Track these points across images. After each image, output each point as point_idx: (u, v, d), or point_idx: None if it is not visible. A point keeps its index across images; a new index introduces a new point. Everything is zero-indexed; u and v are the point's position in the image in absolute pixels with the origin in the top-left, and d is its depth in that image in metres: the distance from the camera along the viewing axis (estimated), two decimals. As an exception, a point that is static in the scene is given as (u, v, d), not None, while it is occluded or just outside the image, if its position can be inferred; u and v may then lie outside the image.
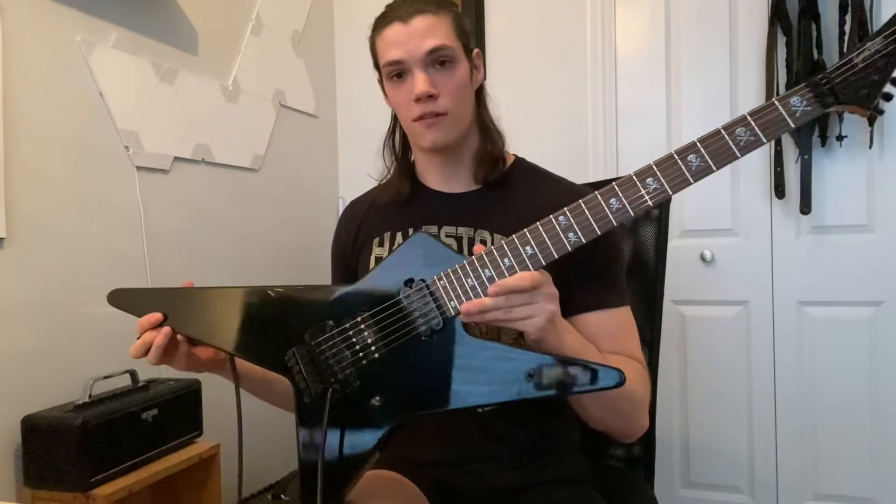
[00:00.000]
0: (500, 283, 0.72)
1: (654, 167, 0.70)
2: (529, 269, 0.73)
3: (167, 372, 1.63)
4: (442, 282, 0.78)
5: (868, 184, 1.89)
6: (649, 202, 0.70)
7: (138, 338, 0.87)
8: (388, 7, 0.95)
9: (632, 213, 0.71)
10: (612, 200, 0.71)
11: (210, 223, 1.86)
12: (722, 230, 2.04)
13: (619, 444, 1.24)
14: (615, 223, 0.71)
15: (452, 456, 0.96)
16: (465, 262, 0.77)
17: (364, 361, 0.81)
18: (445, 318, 0.77)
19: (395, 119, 1.06)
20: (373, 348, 0.81)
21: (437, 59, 0.91)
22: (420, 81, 0.90)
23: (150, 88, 1.66)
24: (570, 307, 0.91)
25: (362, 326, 0.82)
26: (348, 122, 2.52)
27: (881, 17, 1.84)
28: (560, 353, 0.78)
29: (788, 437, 1.98)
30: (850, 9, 1.79)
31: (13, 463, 1.30)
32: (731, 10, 2.02)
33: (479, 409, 0.93)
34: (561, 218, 0.73)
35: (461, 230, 0.97)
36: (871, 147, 1.85)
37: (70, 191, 1.45)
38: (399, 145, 1.06)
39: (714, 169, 0.69)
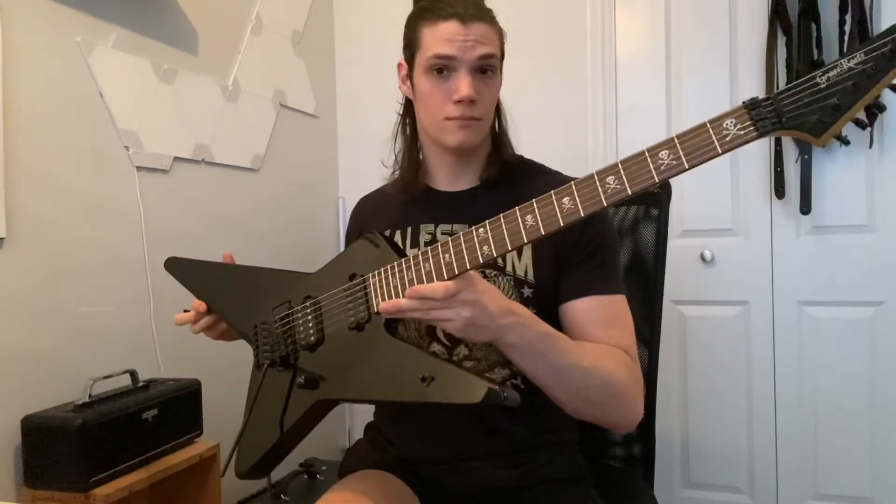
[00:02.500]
0: (414, 288, 0.74)
1: (573, 185, 0.69)
2: (444, 277, 0.75)
3: (167, 372, 1.63)
4: (374, 279, 0.83)
5: (868, 184, 1.89)
6: (561, 222, 0.69)
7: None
8: (438, 1, 0.94)
9: (542, 232, 0.70)
10: (528, 217, 0.71)
11: (210, 223, 1.86)
12: (722, 230, 2.04)
13: (619, 443, 1.24)
14: (525, 240, 0.71)
15: (450, 453, 0.96)
16: (395, 263, 0.81)
17: (303, 342, 0.90)
18: (370, 313, 0.84)
19: (406, 108, 1.06)
20: (311, 332, 0.90)
21: (483, 67, 0.93)
22: (466, 85, 0.91)
23: (150, 88, 1.66)
24: (562, 294, 0.93)
25: (308, 311, 0.90)
26: (348, 122, 2.52)
27: (881, 16, 1.84)
28: (534, 370, 0.82)
29: (788, 437, 1.98)
30: (850, 9, 1.79)
31: (13, 463, 1.30)
32: (731, 9, 2.02)
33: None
34: (481, 230, 0.74)
35: (456, 227, 0.99)
36: (871, 147, 1.85)
37: (70, 191, 1.45)
38: (410, 134, 1.06)
39: (629, 193, 0.66)
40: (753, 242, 2.01)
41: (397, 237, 1.02)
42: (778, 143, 1.92)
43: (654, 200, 1.20)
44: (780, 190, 1.93)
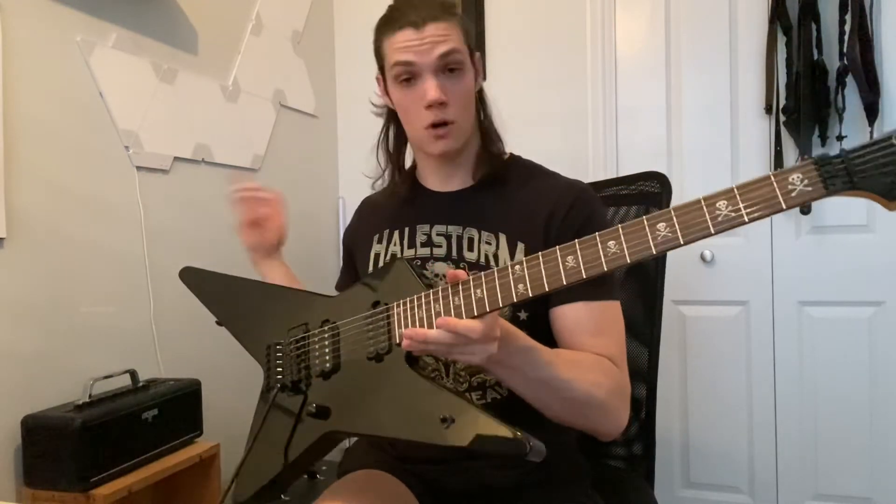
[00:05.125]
0: (450, 321, 0.69)
1: (620, 229, 0.65)
2: (474, 312, 0.71)
3: (167, 372, 1.63)
4: (399, 308, 0.80)
5: (868, 184, 1.88)
6: (604, 266, 0.65)
7: None
8: (394, 10, 0.94)
9: (584, 276, 0.66)
10: (569, 258, 0.67)
11: (210, 223, 1.86)
12: (722, 230, 2.04)
13: (619, 443, 1.24)
14: (565, 283, 0.67)
15: (447, 453, 0.95)
16: (422, 294, 0.77)
17: (317, 368, 0.87)
18: (391, 343, 0.80)
19: (388, 118, 1.06)
20: (327, 358, 0.86)
21: (448, 65, 0.92)
22: (433, 88, 0.91)
23: (150, 88, 1.66)
24: (552, 298, 0.92)
25: (326, 336, 0.88)
26: (348, 122, 2.52)
27: (881, 17, 1.84)
28: (508, 381, 0.81)
29: (788, 437, 1.98)
30: (849, 9, 1.79)
31: (13, 463, 1.30)
32: (731, 9, 2.02)
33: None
34: (517, 267, 0.70)
35: (451, 228, 0.99)
36: (871, 147, 1.85)
37: (70, 191, 1.45)
38: (392, 144, 1.07)
39: (681, 242, 0.62)
40: (753, 242, 2.01)
41: (395, 238, 1.03)
42: (778, 142, 1.92)
43: (655, 200, 1.20)
44: (780, 190, 1.93)
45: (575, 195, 0.95)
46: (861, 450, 1.91)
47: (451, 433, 0.70)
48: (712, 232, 0.61)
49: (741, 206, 0.59)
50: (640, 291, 1.21)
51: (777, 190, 0.58)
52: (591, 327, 0.90)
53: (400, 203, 1.06)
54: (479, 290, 0.71)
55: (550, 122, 2.20)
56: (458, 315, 0.72)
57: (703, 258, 2.05)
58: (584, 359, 0.87)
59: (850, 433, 1.92)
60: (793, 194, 0.58)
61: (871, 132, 1.82)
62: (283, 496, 1.57)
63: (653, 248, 0.63)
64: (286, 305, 0.96)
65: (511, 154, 1.05)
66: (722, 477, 2.06)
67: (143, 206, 1.62)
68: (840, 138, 1.84)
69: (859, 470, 1.91)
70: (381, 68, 0.99)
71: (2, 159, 1.29)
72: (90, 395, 1.33)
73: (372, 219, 1.11)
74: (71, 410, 1.29)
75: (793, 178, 0.58)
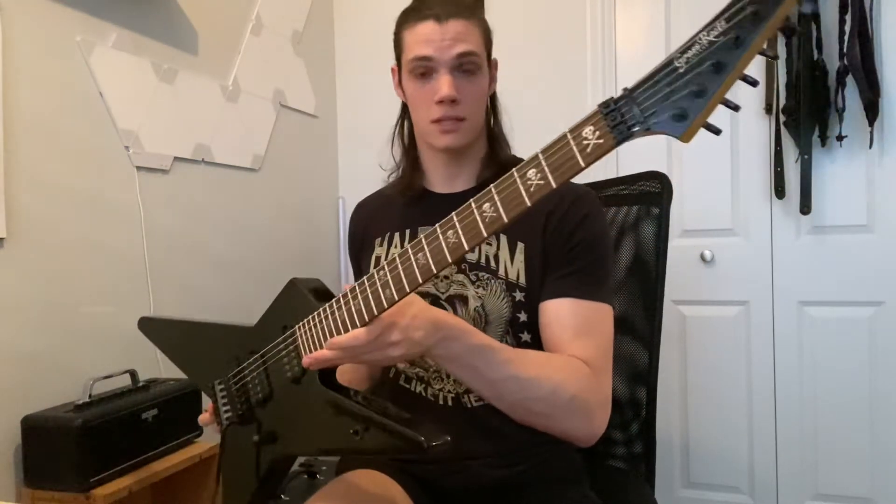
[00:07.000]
0: (333, 341, 0.73)
1: (454, 217, 0.64)
2: (357, 323, 0.73)
3: (167, 372, 1.63)
4: (302, 330, 0.81)
5: (868, 184, 1.89)
6: (448, 258, 0.64)
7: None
8: (419, 2, 0.94)
9: (434, 270, 0.66)
10: (419, 255, 0.67)
11: (210, 223, 1.86)
12: (722, 230, 2.04)
13: (620, 443, 1.23)
14: (420, 280, 0.67)
15: (443, 452, 0.95)
16: (315, 312, 0.79)
17: (253, 400, 0.89)
18: (301, 366, 0.81)
19: (403, 111, 1.06)
20: (258, 388, 0.88)
21: (463, 65, 0.92)
22: (446, 85, 0.91)
23: (150, 88, 1.66)
24: (542, 294, 0.92)
25: (255, 366, 0.89)
26: (348, 122, 2.52)
27: (881, 17, 1.84)
28: (465, 380, 0.82)
29: (788, 437, 1.98)
30: (850, 9, 1.79)
31: (13, 463, 1.30)
32: (731, 10, 2.02)
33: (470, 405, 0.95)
34: (381, 272, 0.70)
35: None
36: (871, 147, 1.85)
37: (70, 191, 1.45)
38: (408, 137, 1.06)
39: (505, 220, 0.60)
40: (753, 242, 2.01)
41: (396, 240, 1.02)
42: (778, 142, 1.92)
43: (655, 200, 1.20)
44: (780, 190, 1.93)
45: (574, 197, 0.96)
46: (861, 450, 1.91)
47: (367, 441, 0.74)
48: (528, 204, 0.58)
49: (547, 172, 0.56)
50: (640, 291, 1.21)
51: (574, 149, 0.54)
52: (573, 326, 0.88)
53: (400, 206, 1.05)
54: (356, 302, 0.73)
55: (550, 123, 2.19)
56: (345, 328, 0.74)
57: (703, 258, 2.05)
58: (552, 360, 0.86)
59: (850, 433, 1.92)
60: (588, 150, 0.54)
61: (871, 132, 1.83)
62: (282, 496, 1.57)
63: (483, 230, 0.62)
64: (221, 341, 0.96)
65: (515, 157, 1.05)
66: (722, 477, 2.06)
67: (143, 206, 1.62)
68: (840, 138, 1.84)
69: (859, 470, 1.91)
70: (398, 59, 0.98)
71: (2, 159, 1.29)
72: (90, 395, 1.33)
73: (372, 223, 1.10)
74: (71, 410, 1.29)
75: (585, 133, 0.54)
